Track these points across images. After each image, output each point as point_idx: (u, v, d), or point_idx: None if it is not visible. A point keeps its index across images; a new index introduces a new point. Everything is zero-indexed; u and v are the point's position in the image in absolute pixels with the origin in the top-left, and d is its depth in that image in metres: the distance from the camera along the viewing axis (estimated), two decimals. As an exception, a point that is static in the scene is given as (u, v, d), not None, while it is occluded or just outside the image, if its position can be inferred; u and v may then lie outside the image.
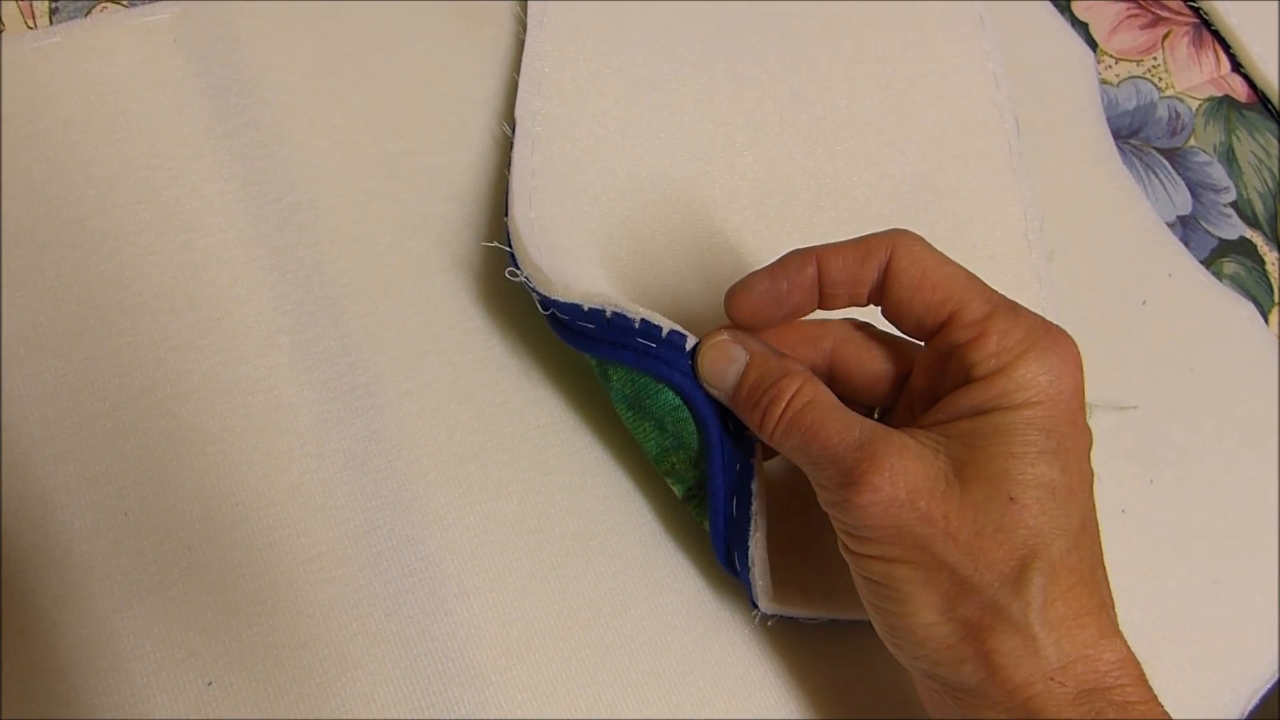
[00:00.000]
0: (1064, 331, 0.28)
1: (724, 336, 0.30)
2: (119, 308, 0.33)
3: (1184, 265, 0.42)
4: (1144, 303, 0.41)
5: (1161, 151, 0.45)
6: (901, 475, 0.26)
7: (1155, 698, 0.26)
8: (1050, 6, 0.47)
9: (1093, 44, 0.47)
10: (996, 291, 0.29)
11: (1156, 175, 0.45)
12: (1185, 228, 0.44)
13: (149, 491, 0.31)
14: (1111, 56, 0.47)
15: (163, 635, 0.29)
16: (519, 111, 0.37)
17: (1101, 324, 0.40)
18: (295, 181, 0.35)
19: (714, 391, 0.30)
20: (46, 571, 0.30)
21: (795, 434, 0.28)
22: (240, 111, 0.36)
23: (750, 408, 0.29)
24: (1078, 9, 0.48)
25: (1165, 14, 0.49)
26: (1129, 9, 0.48)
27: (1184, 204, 0.44)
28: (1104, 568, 0.28)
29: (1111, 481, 0.37)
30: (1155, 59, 0.47)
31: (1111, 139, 0.44)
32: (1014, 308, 0.28)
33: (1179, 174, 0.45)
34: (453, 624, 0.31)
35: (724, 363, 0.30)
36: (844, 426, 0.27)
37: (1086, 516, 0.27)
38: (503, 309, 0.35)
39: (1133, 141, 0.45)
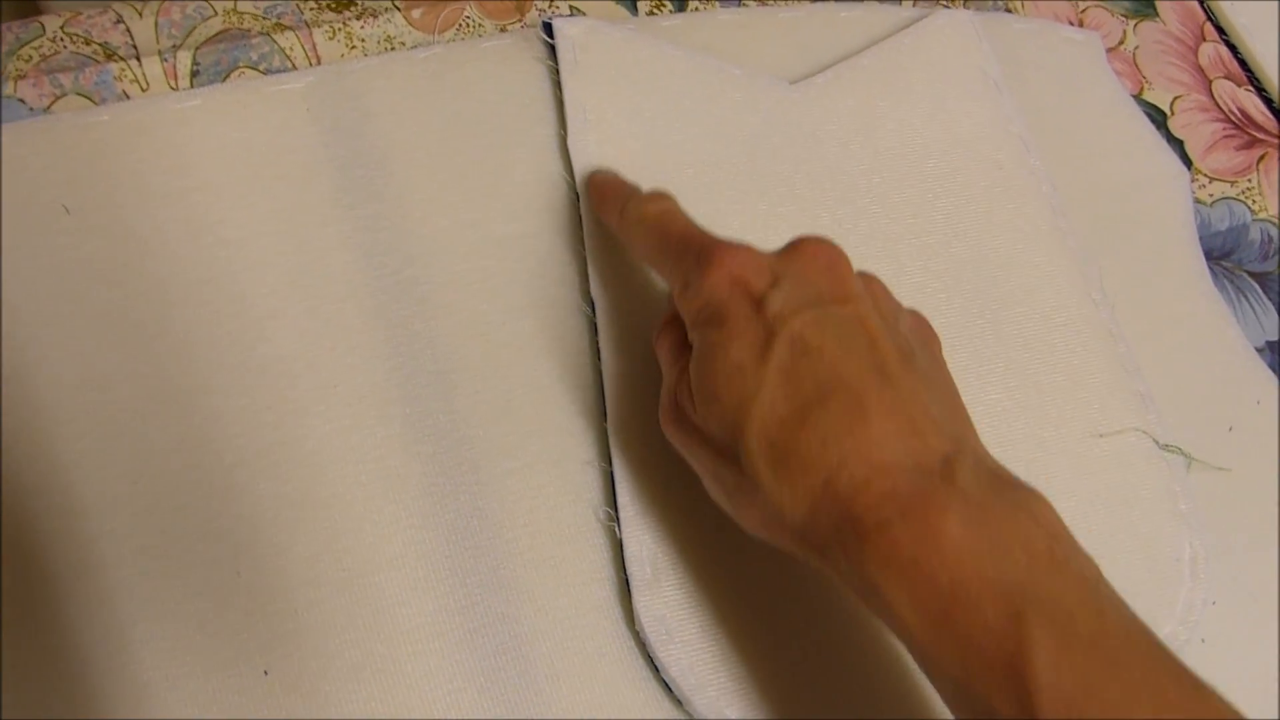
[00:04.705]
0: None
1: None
2: (243, 368, 0.34)
3: (1272, 393, 0.42)
4: (1230, 429, 0.41)
5: (1253, 275, 0.46)
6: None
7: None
8: (1147, 121, 0.48)
9: (1188, 162, 0.48)
10: None
11: (1247, 299, 0.45)
12: (1275, 354, 0.44)
13: (261, 552, 0.32)
14: (1206, 175, 0.48)
15: (265, 696, 0.30)
16: (594, 291, 0.37)
17: (1187, 448, 0.40)
18: (414, 255, 0.37)
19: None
20: (159, 626, 0.31)
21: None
22: (366, 183, 0.38)
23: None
24: (1174, 125, 0.49)
25: (1261, 135, 0.49)
26: (1225, 129, 0.49)
27: (1273, 329, 0.45)
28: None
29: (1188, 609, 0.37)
30: (1250, 181, 0.48)
31: (1204, 260, 0.45)
32: None
33: (1269, 298, 0.45)
34: (542, 705, 0.32)
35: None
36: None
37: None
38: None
39: (1224, 263, 0.46)
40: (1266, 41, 0.51)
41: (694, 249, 0.31)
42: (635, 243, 0.34)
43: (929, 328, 0.33)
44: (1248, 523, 0.39)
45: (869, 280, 0.32)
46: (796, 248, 0.31)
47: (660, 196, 0.34)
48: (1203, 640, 0.37)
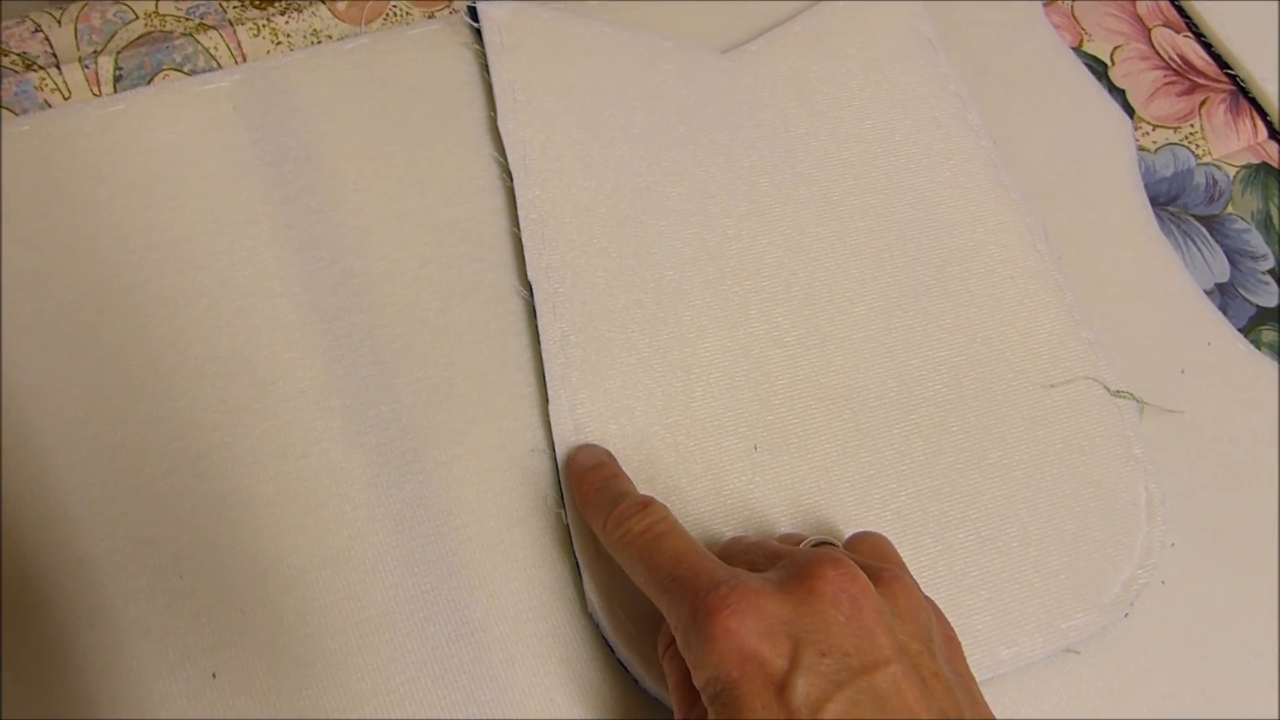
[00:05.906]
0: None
1: None
2: (177, 371, 0.34)
3: (1222, 334, 0.42)
4: (1183, 371, 0.41)
5: (1199, 219, 0.46)
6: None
7: None
8: (1088, 73, 0.48)
9: (1130, 110, 0.48)
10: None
11: (1194, 243, 0.45)
12: (1223, 295, 0.44)
13: (204, 554, 0.32)
14: (1149, 123, 0.48)
15: (215, 699, 0.30)
16: (532, 274, 0.36)
17: (1140, 392, 0.40)
18: (349, 247, 0.36)
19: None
20: (102, 633, 0.30)
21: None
22: (296, 178, 0.37)
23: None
24: (1115, 75, 0.49)
25: (1202, 81, 0.49)
26: (1166, 76, 0.49)
27: (1222, 271, 0.44)
28: None
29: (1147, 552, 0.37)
30: (1193, 126, 0.48)
31: (1149, 206, 0.45)
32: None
33: (1217, 241, 0.45)
34: (498, 690, 0.32)
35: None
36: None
37: None
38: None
39: (1170, 209, 0.45)
40: (1202, -14, 0.51)
41: (688, 592, 0.27)
42: (620, 562, 0.30)
43: (949, 629, 0.30)
44: (1203, 463, 0.39)
45: (887, 583, 0.28)
46: (809, 585, 0.27)
47: (644, 509, 0.30)
48: (1163, 582, 0.37)
